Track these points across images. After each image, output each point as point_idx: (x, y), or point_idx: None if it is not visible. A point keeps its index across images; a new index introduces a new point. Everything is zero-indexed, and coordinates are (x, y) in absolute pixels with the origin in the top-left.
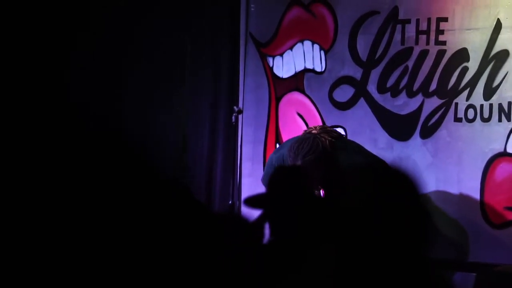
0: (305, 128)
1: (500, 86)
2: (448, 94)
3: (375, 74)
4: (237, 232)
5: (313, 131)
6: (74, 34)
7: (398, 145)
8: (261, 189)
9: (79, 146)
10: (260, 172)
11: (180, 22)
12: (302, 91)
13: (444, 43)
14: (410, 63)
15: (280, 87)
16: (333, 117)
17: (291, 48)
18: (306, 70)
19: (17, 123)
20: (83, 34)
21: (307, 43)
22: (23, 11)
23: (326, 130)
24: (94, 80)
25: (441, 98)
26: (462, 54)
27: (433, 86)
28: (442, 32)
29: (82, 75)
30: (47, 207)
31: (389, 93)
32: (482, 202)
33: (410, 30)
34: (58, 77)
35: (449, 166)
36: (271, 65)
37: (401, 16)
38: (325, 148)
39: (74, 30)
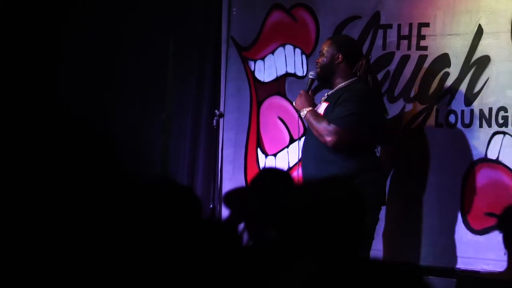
0: (286, 132)
1: (481, 92)
2: (429, 99)
3: None
4: (218, 236)
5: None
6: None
7: (378, 150)
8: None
9: (61, 149)
10: (241, 176)
11: (162, 26)
12: (284, 95)
13: (425, 48)
14: (392, 68)
15: (261, 91)
16: None
17: (272, 52)
18: (287, 74)
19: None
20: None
21: (289, 47)
22: (12, 11)
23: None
24: (76, 84)
25: (422, 103)
26: (444, 60)
27: (414, 91)
28: (423, 37)
29: (65, 77)
30: (34, 207)
31: None
32: (462, 208)
33: (392, 35)
34: (43, 80)
35: (430, 171)
36: (252, 69)
37: (382, 21)
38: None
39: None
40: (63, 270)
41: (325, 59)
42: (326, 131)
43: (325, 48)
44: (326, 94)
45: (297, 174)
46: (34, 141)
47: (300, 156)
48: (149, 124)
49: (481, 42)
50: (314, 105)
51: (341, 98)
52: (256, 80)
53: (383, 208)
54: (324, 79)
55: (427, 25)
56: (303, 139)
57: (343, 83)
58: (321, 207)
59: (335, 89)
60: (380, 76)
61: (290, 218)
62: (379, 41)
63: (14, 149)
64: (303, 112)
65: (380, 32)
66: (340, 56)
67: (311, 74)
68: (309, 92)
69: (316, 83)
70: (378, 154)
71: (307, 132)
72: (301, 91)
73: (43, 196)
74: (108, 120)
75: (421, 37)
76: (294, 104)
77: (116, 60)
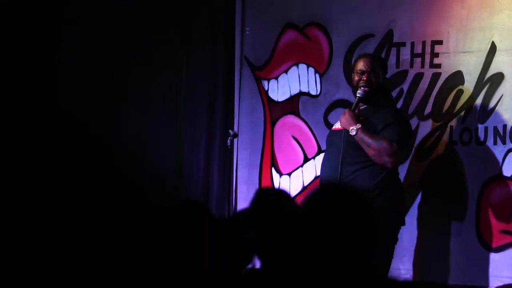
0: (300, 152)
1: (495, 109)
2: (444, 117)
3: None
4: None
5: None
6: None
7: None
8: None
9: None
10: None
11: (175, 45)
12: (297, 115)
13: (439, 66)
14: (405, 86)
15: (275, 111)
16: None
17: (286, 72)
18: (301, 93)
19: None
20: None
21: (302, 66)
22: (12, 11)
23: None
24: (87, 103)
25: (436, 121)
26: (457, 77)
27: (428, 109)
28: (437, 55)
29: (74, 93)
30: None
31: None
32: (478, 225)
33: (405, 53)
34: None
35: (445, 189)
36: (266, 88)
37: (396, 39)
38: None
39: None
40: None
41: (377, 79)
42: (390, 151)
43: (371, 67)
44: (355, 108)
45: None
46: (33, 145)
47: (317, 174)
48: (162, 144)
49: (494, 59)
50: (360, 122)
51: (387, 118)
52: (269, 99)
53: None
54: (369, 97)
55: (440, 42)
56: (320, 157)
57: (382, 100)
58: (341, 226)
59: (367, 106)
60: (394, 94)
61: (309, 235)
62: (392, 59)
63: (14, 150)
64: (353, 130)
65: (394, 50)
66: (384, 74)
67: (359, 93)
68: (356, 111)
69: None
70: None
71: (330, 149)
72: (346, 110)
73: (41, 199)
74: (122, 141)
75: (434, 54)
76: (340, 124)
77: (129, 79)
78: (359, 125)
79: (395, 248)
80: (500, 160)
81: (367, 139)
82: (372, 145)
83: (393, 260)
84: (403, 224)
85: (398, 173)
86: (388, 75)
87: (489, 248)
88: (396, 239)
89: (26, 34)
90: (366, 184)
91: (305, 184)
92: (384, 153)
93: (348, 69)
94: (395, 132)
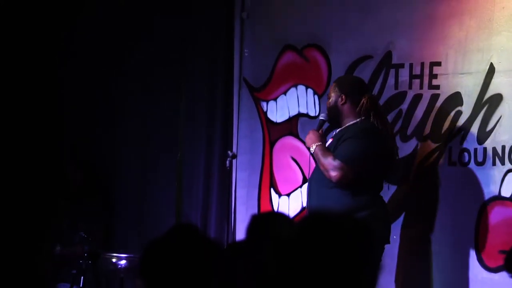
0: (299, 172)
1: (494, 130)
2: (442, 138)
3: None
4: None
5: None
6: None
7: (392, 189)
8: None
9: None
10: None
11: (175, 68)
12: (296, 136)
13: (437, 87)
14: (404, 107)
15: (274, 132)
16: None
17: (285, 93)
18: (300, 115)
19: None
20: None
21: (301, 88)
22: (14, 11)
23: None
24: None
25: (435, 142)
26: (456, 98)
27: (427, 130)
28: (435, 76)
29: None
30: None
31: None
32: (477, 246)
33: (404, 74)
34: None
35: (444, 209)
36: (265, 109)
37: (394, 60)
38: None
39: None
40: None
41: (330, 102)
42: (331, 165)
43: (330, 91)
44: (334, 133)
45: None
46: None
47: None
48: (161, 165)
49: (493, 80)
50: (323, 141)
51: (344, 136)
52: (268, 120)
53: (396, 246)
54: (333, 121)
55: (439, 64)
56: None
57: (349, 123)
58: (319, 245)
59: (341, 128)
60: (392, 115)
61: (290, 254)
62: (391, 81)
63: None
64: (312, 148)
65: (392, 71)
66: (343, 97)
67: (322, 116)
68: (319, 131)
69: (327, 125)
70: (389, 192)
71: (315, 168)
72: (310, 130)
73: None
74: (121, 163)
75: (433, 76)
76: (305, 143)
77: (128, 98)
78: (318, 143)
79: (380, 265)
80: (499, 181)
81: (319, 156)
82: (321, 161)
83: (388, 279)
84: (387, 242)
85: (378, 191)
86: (386, 97)
87: (488, 269)
88: (379, 259)
89: (26, 35)
90: (334, 206)
91: (304, 205)
92: (328, 168)
93: None
94: (346, 148)
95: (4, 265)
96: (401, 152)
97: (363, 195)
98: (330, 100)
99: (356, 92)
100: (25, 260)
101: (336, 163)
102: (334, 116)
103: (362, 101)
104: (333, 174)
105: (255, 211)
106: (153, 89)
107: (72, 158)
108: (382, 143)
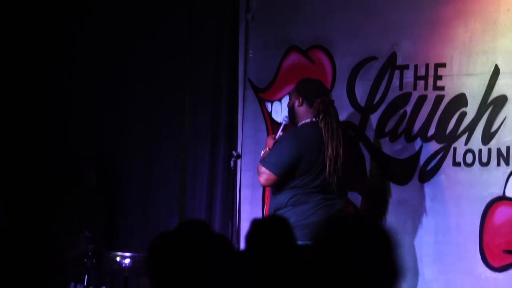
0: None
1: (499, 131)
2: (447, 139)
3: (373, 119)
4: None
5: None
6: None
7: (396, 190)
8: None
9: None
10: (259, 215)
11: (179, 68)
12: None
13: (442, 88)
14: (409, 108)
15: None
16: None
17: (289, 94)
18: None
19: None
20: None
21: None
22: (17, 11)
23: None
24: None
25: (439, 143)
26: (461, 100)
27: (431, 131)
28: (440, 77)
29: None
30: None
31: (387, 138)
32: (481, 246)
33: (408, 75)
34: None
35: (448, 210)
36: (269, 110)
37: (399, 62)
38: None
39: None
40: None
41: (289, 104)
42: (258, 171)
43: (291, 94)
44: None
45: None
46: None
47: None
48: (166, 165)
49: (498, 82)
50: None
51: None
52: (273, 121)
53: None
54: (292, 122)
55: (443, 65)
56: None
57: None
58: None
59: None
60: (397, 116)
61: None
62: (396, 82)
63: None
64: (262, 154)
65: (397, 72)
66: (300, 99)
67: (284, 118)
68: (277, 136)
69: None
70: (393, 192)
71: None
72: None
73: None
74: (127, 163)
75: (437, 77)
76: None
77: (134, 95)
78: (266, 149)
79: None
80: (503, 182)
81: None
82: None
83: None
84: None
85: (304, 189)
86: (391, 98)
87: (492, 268)
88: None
89: (27, 36)
90: (270, 209)
91: None
92: (258, 173)
93: (352, 92)
94: (271, 151)
95: (11, 263)
96: (406, 152)
97: (287, 194)
98: (289, 102)
99: (313, 95)
100: (32, 259)
101: (260, 167)
102: (292, 118)
103: (315, 104)
104: (258, 177)
105: (260, 211)
106: (158, 90)
107: (86, 158)
108: (299, 144)
